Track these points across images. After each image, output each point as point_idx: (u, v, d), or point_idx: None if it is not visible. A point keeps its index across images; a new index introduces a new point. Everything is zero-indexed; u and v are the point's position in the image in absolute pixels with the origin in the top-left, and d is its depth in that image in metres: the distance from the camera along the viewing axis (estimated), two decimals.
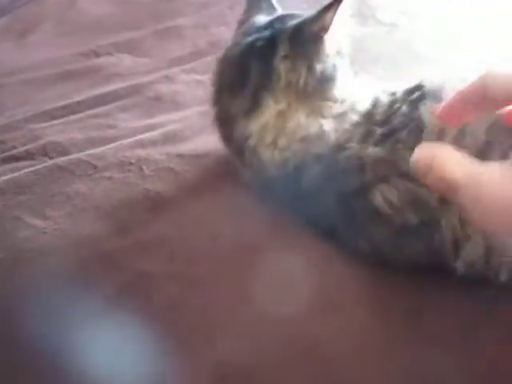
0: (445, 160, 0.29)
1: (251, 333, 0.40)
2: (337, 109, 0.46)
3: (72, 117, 0.64)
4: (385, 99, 0.45)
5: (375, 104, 0.45)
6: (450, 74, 0.45)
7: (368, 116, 0.44)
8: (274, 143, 0.46)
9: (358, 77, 0.52)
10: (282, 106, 0.46)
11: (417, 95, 0.43)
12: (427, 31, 0.79)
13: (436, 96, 0.41)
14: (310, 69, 0.46)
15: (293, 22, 0.47)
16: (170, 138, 0.59)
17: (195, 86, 0.71)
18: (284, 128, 0.46)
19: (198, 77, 0.74)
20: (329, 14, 0.45)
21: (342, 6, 0.45)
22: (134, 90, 0.70)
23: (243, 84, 0.47)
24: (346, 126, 0.45)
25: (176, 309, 0.41)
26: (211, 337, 0.40)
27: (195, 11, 0.92)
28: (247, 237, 0.46)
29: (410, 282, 0.42)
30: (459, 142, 0.38)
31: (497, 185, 0.24)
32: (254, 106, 0.46)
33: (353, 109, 0.46)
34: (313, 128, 0.45)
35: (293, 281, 0.42)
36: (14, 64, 0.79)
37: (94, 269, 0.43)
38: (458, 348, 0.38)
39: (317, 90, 0.46)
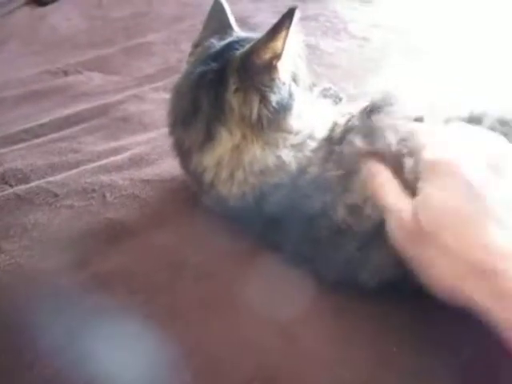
0: (380, 185, 0.39)
1: (213, 366, 0.39)
2: (292, 140, 0.45)
3: (34, 141, 0.62)
4: (342, 121, 0.45)
5: (333, 128, 0.45)
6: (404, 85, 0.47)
7: (327, 140, 0.44)
8: (231, 178, 0.45)
9: (317, 101, 0.51)
10: (236, 139, 0.44)
11: (369, 109, 0.44)
12: (399, 44, 0.79)
13: (387, 107, 0.43)
14: (264, 100, 0.44)
15: (241, 51, 0.45)
16: (136, 162, 0.57)
17: (164, 105, 0.70)
18: (240, 162, 0.44)
19: (168, 95, 0.73)
20: (279, 41, 0.42)
21: (294, 28, 0.42)
22: (101, 111, 0.69)
23: (195, 117, 0.45)
24: (306, 153, 0.44)
25: (135, 345, 0.39)
26: (174, 369, 0.38)
27: (166, 27, 0.91)
28: (212, 266, 0.45)
29: (374, 311, 0.41)
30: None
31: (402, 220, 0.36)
32: (208, 139, 0.45)
33: (310, 137, 0.45)
34: (270, 160, 0.44)
35: (258, 311, 0.41)
36: None
37: (48, 306, 0.41)
38: (420, 365, 0.38)
39: (272, 121, 0.44)
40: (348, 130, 0.44)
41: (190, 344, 0.40)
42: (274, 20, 0.95)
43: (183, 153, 0.48)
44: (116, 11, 1.00)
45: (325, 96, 0.58)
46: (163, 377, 0.38)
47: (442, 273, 0.33)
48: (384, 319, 0.41)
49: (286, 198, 0.43)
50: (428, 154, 0.38)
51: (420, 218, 0.35)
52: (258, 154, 0.44)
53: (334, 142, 0.44)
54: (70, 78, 0.80)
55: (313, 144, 0.44)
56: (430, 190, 0.36)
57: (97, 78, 0.79)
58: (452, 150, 0.37)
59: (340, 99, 0.60)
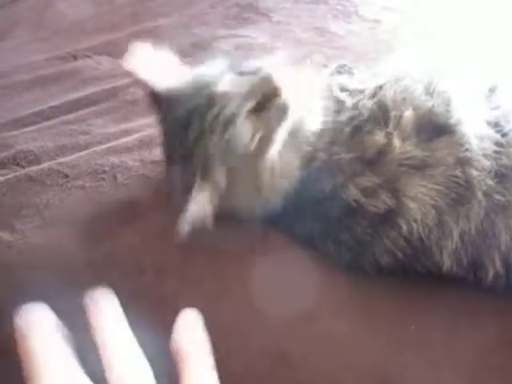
0: None
1: (223, 346, 0.39)
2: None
3: (45, 123, 0.62)
4: (349, 103, 0.45)
5: (340, 109, 0.45)
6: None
7: (334, 122, 0.44)
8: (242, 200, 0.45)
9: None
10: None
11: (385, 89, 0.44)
12: (410, 27, 0.78)
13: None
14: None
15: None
16: (146, 144, 0.57)
17: None
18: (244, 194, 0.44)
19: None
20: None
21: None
22: (111, 94, 0.68)
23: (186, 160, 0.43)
24: (305, 148, 0.44)
25: (144, 325, 0.39)
26: None
27: (176, 11, 0.90)
28: (224, 247, 0.45)
29: (390, 290, 0.41)
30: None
31: None
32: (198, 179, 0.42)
33: (302, 136, 0.44)
34: (268, 184, 0.43)
35: (270, 293, 0.41)
36: None
37: (61, 285, 0.41)
38: (441, 351, 0.38)
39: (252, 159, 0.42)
40: (358, 111, 0.44)
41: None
42: (284, 5, 0.93)
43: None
44: None
45: (339, 73, 0.58)
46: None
47: None
48: (400, 299, 0.41)
49: (297, 187, 0.43)
50: None
51: None
52: (252, 186, 0.43)
53: (342, 123, 0.44)
54: (79, 63, 0.79)
55: (310, 137, 0.44)
56: None
57: (106, 62, 0.78)
58: None
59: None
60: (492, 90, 0.43)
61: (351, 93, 0.46)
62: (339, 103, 0.46)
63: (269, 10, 0.87)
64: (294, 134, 0.44)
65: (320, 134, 0.44)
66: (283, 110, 0.42)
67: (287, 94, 0.42)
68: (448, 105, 0.42)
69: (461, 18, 0.81)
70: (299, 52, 0.76)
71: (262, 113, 0.42)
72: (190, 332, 0.28)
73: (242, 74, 0.44)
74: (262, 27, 0.81)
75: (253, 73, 0.44)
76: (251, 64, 0.46)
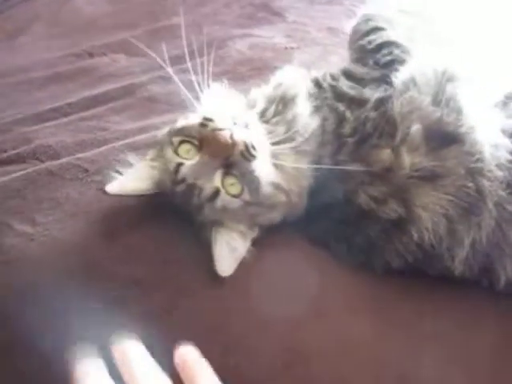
0: None
1: (239, 339, 0.40)
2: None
3: (63, 119, 0.63)
4: (351, 117, 0.45)
5: (342, 123, 0.45)
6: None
7: (336, 134, 0.45)
8: None
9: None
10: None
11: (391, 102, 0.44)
12: (425, 30, 0.78)
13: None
14: None
15: None
16: None
17: (189, 86, 0.70)
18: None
19: (193, 77, 0.73)
20: None
21: None
22: (128, 91, 0.69)
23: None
24: (309, 151, 0.44)
25: (165, 316, 0.40)
26: (204, 342, 0.39)
27: (191, 10, 0.91)
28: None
29: (406, 289, 0.42)
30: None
31: None
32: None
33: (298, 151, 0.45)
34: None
35: (285, 292, 0.42)
36: (5, 66, 0.78)
37: (83, 278, 0.42)
38: (457, 350, 0.38)
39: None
40: (362, 122, 0.44)
41: (219, 319, 0.41)
42: (299, 4, 0.92)
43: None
44: None
45: (346, 76, 0.58)
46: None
47: None
48: (416, 298, 0.42)
49: (310, 190, 0.45)
50: None
51: None
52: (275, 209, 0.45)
53: (344, 135, 0.44)
54: (96, 60, 0.80)
55: (309, 136, 0.45)
56: None
57: (122, 60, 0.79)
58: None
59: None
60: (508, 98, 0.43)
61: (350, 101, 0.46)
62: (338, 113, 0.46)
63: (283, 9, 0.88)
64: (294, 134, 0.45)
65: (321, 144, 0.45)
66: (246, 154, 0.41)
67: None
68: (459, 113, 0.42)
69: (476, 21, 0.81)
70: (314, 52, 0.76)
71: (230, 171, 0.42)
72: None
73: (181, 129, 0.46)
74: (277, 27, 0.82)
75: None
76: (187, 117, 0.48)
